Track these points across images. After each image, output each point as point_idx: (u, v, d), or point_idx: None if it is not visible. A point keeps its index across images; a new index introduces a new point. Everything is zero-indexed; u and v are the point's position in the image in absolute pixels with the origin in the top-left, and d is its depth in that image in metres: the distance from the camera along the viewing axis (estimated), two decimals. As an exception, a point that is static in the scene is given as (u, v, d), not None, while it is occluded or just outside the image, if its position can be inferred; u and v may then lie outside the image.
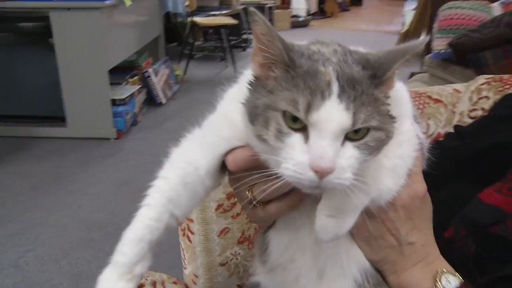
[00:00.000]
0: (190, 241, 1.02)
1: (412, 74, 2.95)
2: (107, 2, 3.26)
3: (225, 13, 6.20)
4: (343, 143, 0.53)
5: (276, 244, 0.71)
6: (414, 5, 5.82)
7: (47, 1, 3.21)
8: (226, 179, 0.70)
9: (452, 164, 0.82)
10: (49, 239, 2.29)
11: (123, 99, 3.57)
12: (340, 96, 0.51)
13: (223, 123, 0.65)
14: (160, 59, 4.83)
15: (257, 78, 0.58)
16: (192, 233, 1.01)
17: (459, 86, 1.11)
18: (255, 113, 0.56)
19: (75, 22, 3.23)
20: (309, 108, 0.51)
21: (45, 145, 3.38)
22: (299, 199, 0.62)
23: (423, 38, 0.57)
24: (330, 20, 9.67)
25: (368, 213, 0.62)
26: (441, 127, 1.08)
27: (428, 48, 4.69)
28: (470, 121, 1.02)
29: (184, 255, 1.03)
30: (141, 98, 4.12)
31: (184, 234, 1.02)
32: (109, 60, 3.47)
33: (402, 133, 0.61)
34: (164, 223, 0.67)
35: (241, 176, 0.63)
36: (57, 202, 2.66)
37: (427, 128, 1.07)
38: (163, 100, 4.38)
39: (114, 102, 3.52)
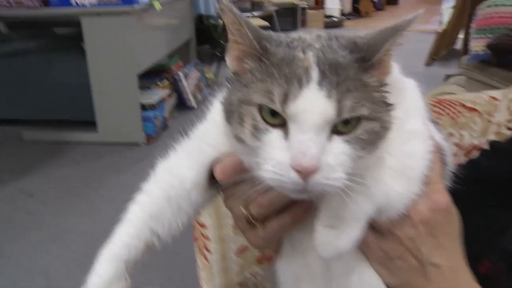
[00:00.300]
0: (206, 260, 0.97)
1: (448, 77, 2.83)
2: (137, 7, 3.27)
3: (257, 15, 6.17)
4: (330, 138, 0.47)
5: (285, 275, 0.64)
6: (452, 3, 5.63)
7: (79, 7, 3.25)
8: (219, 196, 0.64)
9: (485, 187, 0.73)
10: (77, 246, 2.31)
11: (153, 104, 3.58)
12: (320, 82, 0.45)
13: (211, 129, 0.59)
14: (191, 62, 4.83)
15: (234, 73, 0.52)
16: (209, 251, 0.97)
17: (496, 93, 1.02)
18: (230, 111, 0.50)
19: (105, 27, 3.26)
20: (285, 99, 0.45)
21: (77, 150, 3.43)
22: (302, 212, 0.55)
23: (417, 12, 0.50)
24: (365, 20, 9.48)
25: (379, 228, 0.54)
26: (476, 138, 0.99)
27: (465, 48, 4.52)
28: (508, 133, 0.95)
29: (201, 274, 0.99)
30: (171, 102, 4.12)
31: (200, 253, 0.98)
32: (138, 64, 3.48)
33: (410, 130, 0.54)
34: (144, 241, 0.60)
35: (233, 189, 0.57)
36: (87, 208, 2.68)
37: (461, 139, 0.99)
38: (194, 104, 4.37)
39: (143, 107, 3.53)
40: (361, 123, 0.47)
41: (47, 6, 3.28)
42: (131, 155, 3.33)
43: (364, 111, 0.47)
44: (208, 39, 6.35)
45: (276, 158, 0.46)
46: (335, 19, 8.80)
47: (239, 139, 0.50)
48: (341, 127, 0.47)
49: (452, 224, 0.58)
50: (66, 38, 3.94)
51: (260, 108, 0.48)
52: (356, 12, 9.77)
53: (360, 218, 0.52)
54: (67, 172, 3.08)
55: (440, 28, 5.81)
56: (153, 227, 0.61)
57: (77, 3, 3.23)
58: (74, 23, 3.35)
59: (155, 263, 2.09)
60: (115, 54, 3.32)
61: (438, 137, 0.60)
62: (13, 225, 2.49)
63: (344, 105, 0.46)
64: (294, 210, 0.55)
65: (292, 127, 0.46)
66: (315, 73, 0.46)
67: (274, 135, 0.47)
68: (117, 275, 0.60)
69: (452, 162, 0.62)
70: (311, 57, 0.47)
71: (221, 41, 5.95)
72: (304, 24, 7.97)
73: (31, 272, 2.14)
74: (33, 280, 2.10)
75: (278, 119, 0.47)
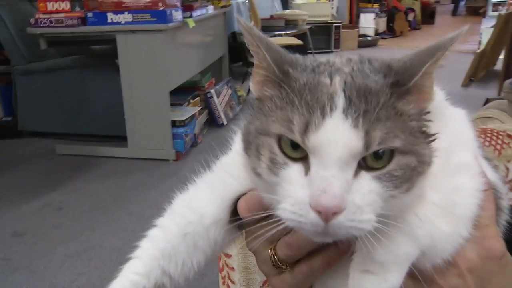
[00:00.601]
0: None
1: (487, 101, 2.70)
2: (171, 25, 3.30)
3: (291, 33, 6.17)
4: (357, 174, 0.41)
5: None
6: (492, 22, 5.47)
7: (115, 25, 3.30)
8: (241, 238, 0.58)
9: None
10: (102, 262, 2.29)
11: (183, 121, 3.58)
12: (346, 110, 0.40)
13: (236, 161, 0.53)
14: (223, 79, 4.85)
15: (258, 99, 0.47)
16: (233, 282, 0.91)
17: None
18: (248, 141, 0.45)
19: (139, 44, 3.30)
20: (306, 129, 0.40)
21: (107, 164, 3.46)
22: (336, 254, 0.48)
23: (461, 29, 0.44)
24: (399, 39, 9.35)
25: (419, 276, 0.47)
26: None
27: (507, 70, 4.35)
28: None
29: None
30: (202, 119, 4.12)
31: (224, 283, 0.93)
32: (170, 81, 3.50)
33: (457, 163, 0.47)
34: (154, 281, 0.55)
35: (258, 228, 0.50)
36: (113, 224, 2.67)
37: (507, 172, 0.90)
38: (225, 121, 4.36)
39: (174, 123, 3.54)
40: (394, 158, 0.42)
41: (85, 25, 3.36)
42: (160, 172, 3.33)
43: (397, 143, 0.41)
44: (241, 56, 6.38)
45: (295, 196, 0.41)
46: (369, 38, 8.73)
47: (257, 173, 0.45)
48: (371, 162, 0.42)
49: (507, 276, 0.50)
50: (101, 55, 4.03)
51: (280, 140, 0.43)
52: (390, 31, 9.66)
53: (402, 262, 0.45)
54: (96, 187, 3.10)
55: (478, 48, 5.64)
56: (165, 266, 0.56)
57: (112, 21, 3.28)
58: (109, 41, 3.42)
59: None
60: (147, 71, 3.35)
61: (493, 176, 0.53)
62: (40, 238, 2.51)
63: (373, 136, 0.40)
64: (327, 253, 0.49)
65: (313, 161, 0.41)
66: (340, 100, 0.41)
67: (293, 170, 0.42)
68: None
69: (507, 208, 0.54)
70: (337, 82, 0.42)
71: (253, 61, 5.95)
72: (338, 42, 7.92)
73: (56, 287, 2.13)
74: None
75: (299, 152, 0.42)
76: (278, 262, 0.52)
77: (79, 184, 3.16)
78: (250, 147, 0.45)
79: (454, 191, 0.47)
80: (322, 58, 0.49)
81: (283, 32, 6.17)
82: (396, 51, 7.82)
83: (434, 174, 0.45)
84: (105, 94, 3.74)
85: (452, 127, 0.50)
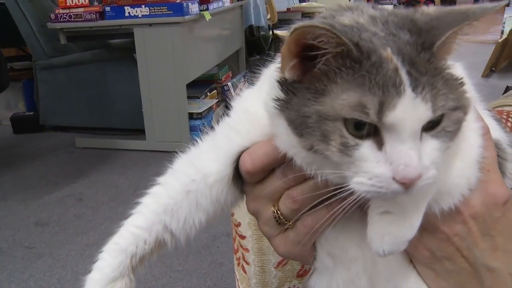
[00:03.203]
0: (245, 272, 0.93)
1: (508, 88, 2.64)
2: (187, 17, 3.32)
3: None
4: (422, 135, 0.43)
5: None
6: (515, 11, 5.35)
7: (132, 18, 3.34)
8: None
9: None
10: (121, 251, 2.32)
11: (200, 113, 3.60)
12: (412, 85, 0.41)
13: (241, 118, 0.53)
14: (240, 72, 4.86)
15: (298, 82, 0.45)
16: (247, 263, 0.92)
17: None
18: (304, 124, 0.44)
19: (156, 37, 3.33)
20: (381, 109, 0.40)
21: (126, 157, 3.50)
22: (340, 203, 0.47)
23: (496, 4, 0.44)
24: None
25: (424, 224, 0.47)
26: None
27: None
28: None
29: (238, 286, 0.95)
30: (219, 111, 4.14)
31: (239, 264, 0.94)
32: (188, 74, 3.52)
33: None
34: (155, 236, 0.55)
35: (261, 186, 0.51)
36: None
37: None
38: (241, 114, 4.35)
39: (191, 116, 3.56)
40: (445, 115, 0.43)
41: (103, 19, 3.40)
42: (177, 164, 3.35)
43: (451, 104, 0.43)
44: (258, 50, 6.38)
45: (374, 172, 0.42)
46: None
47: (317, 152, 0.44)
48: (427, 123, 0.43)
49: (511, 222, 0.50)
50: (119, 49, 4.07)
51: (346, 122, 0.43)
52: (409, 23, 9.51)
53: (420, 202, 0.46)
54: (115, 179, 3.14)
55: (500, 38, 5.52)
56: (167, 221, 0.55)
57: (130, 14, 3.32)
58: (127, 35, 3.45)
59: (196, 270, 2.11)
60: (165, 64, 3.38)
61: (500, 135, 0.53)
62: (62, 227, 2.56)
63: (438, 105, 0.42)
64: (331, 203, 0.49)
65: (387, 136, 0.42)
66: (404, 75, 0.41)
67: (366, 149, 0.43)
68: (120, 271, 0.55)
69: None
70: (391, 54, 0.42)
71: (271, 52, 5.96)
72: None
73: (77, 274, 2.18)
74: (78, 281, 2.13)
75: (365, 130, 0.43)
76: (281, 218, 0.52)
77: (99, 176, 3.21)
78: (310, 131, 0.44)
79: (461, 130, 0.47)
80: (343, 18, 0.46)
81: (300, 25, 6.12)
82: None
83: None
84: (124, 87, 3.78)
85: None
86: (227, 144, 0.54)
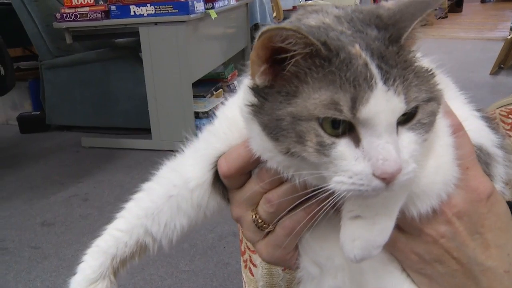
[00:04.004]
0: (252, 274, 0.92)
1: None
2: (193, 16, 3.30)
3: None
4: (398, 129, 0.43)
5: None
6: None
7: (138, 17, 3.32)
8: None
9: None
10: (127, 251, 2.31)
11: (206, 112, 3.59)
12: (383, 79, 0.40)
13: (221, 124, 0.54)
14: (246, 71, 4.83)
15: (269, 87, 0.45)
16: (255, 265, 0.91)
17: None
18: (278, 127, 0.43)
19: (162, 36, 3.32)
20: (354, 104, 0.40)
21: (132, 156, 3.50)
22: (318, 205, 0.47)
23: None
24: (424, 28, 9.13)
25: (407, 227, 0.47)
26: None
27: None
28: None
29: (245, 288, 0.93)
30: (225, 110, 4.12)
31: (246, 266, 0.93)
32: (193, 73, 3.51)
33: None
34: (135, 239, 0.56)
35: (240, 192, 0.52)
36: (138, 214, 2.69)
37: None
38: (247, 113, 4.33)
39: (197, 115, 3.55)
40: (420, 107, 0.43)
41: (109, 18, 3.40)
42: (183, 163, 3.34)
43: (424, 95, 0.43)
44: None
45: (353, 170, 0.42)
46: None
47: (294, 155, 0.44)
48: (402, 116, 0.43)
49: (501, 216, 0.48)
50: (125, 48, 4.07)
51: (320, 121, 0.42)
52: (416, 20, 9.43)
53: (391, 206, 0.45)
54: (120, 179, 3.13)
55: (510, 34, 5.47)
56: (148, 225, 0.57)
57: (135, 13, 3.31)
58: (133, 34, 3.45)
59: (202, 271, 2.09)
60: (170, 63, 3.36)
61: (486, 137, 0.52)
62: (68, 227, 2.56)
63: (410, 96, 0.41)
64: (308, 205, 0.48)
65: (363, 132, 0.41)
66: (374, 70, 0.41)
67: (343, 147, 0.42)
68: (100, 273, 0.56)
69: (503, 156, 0.53)
70: (360, 50, 0.42)
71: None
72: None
73: (83, 276, 2.17)
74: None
75: (341, 128, 0.42)
76: (260, 222, 0.52)
77: (104, 175, 3.20)
78: (285, 133, 0.43)
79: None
80: (310, 19, 0.46)
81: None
82: (422, 41, 7.60)
83: None
84: (129, 87, 3.78)
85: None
86: (206, 149, 0.55)
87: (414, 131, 0.43)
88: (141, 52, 3.42)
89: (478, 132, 0.52)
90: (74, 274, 0.58)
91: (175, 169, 0.58)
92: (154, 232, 0.57)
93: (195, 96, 3.56)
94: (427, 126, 0.44)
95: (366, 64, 0.41)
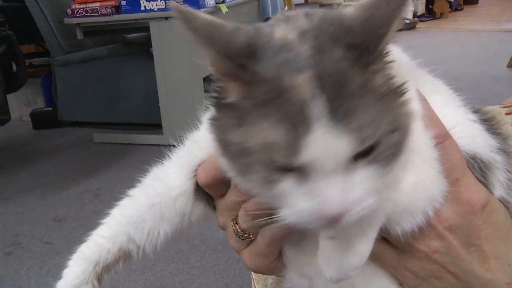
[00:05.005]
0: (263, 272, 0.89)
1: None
2: (203, 10, 3.27)
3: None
4: (351, 166, 0.39)
5: None
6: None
7: (148, 12, 3.31)
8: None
9: None
10: (139, 247, 2.31)
11: (218, 107, 3.57)
12: (330, 116, 0.35)
13: (204, 131, 0.52)
14: (257, 66, 4.81)
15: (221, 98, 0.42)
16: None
17: None
18: (227, 150, 0.40)
19: (172, 31, 3.29)
20: (293, 149, 0.36)
21: (143, 152, 3.49)
22: None
23: None
24: (439, 21, 9.01)
25: (397, 244, 0.45)
26: None
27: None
28: None
29: (254, 286, 0.91)
30: (236, 105, 4.10)
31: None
32: (204, 68, 3.46)
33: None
34: (118, 246, 0.56)
35: (222, 200, 0.51)
36: (150, 209, 2.69)
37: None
38: (259, 108, 4.31)
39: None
40: (382, 140, 0.38)
41: (119, 13, 3.39)
42: (195, 158, 3.33)
43: (382, 130, 0.37)
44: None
45: (296, 205, 0.39)
46: (407, 21, 8.43)
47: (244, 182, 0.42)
48: (360, 151, 0.38)
49: (498, 226, 0.46)
50: (135, 44, 4.07)
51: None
52: (430, 13, 9.32)
53: (366, 228, 0.42)
54: (132, 174, 3.05)
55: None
56: (131, 233, 0.57)
57: (146, 8, 3.30)
58: (143, 29, 3.44)
59: (213, 267, 2.08)
60: (181, 58, 3.34)
61: (475, 133, 0.48)
62: (80, 223, 2.56)
63: (363, 133, 0.36)
64: None
65: (308, 171, 0.38)
66: (320, 104, 0.36)
67: (287, 184, 0.39)
68: (83, 279, 0.56)
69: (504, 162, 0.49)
70: (308, 80, 0.36)
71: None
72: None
73: (95, 271, 2.17)
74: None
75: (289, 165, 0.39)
76: (239, 231, 0.51)
77: (116, 171, 3.21)
78: (233, 159, 0.41)
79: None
80: (276, 32, 0.41)
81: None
82: (436, 34, 7.54)
83: None
84: (140, 82, 3.78)
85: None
86: (188, 157, 0.55)
87: (374, 165, 0.39)
88: (151, 47, 3.41)
89: (472, 138, 0.48)
90: (60, 278, 0.59)
91: (159, 177, 0.57)
92: (137, 239, 0.57)
93: (206, 91, 3.54)
94: (390, 158, 0.40)
95: (309, 100, 0.36)
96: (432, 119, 0.45)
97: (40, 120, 4.19)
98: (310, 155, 0.37)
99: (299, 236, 0.47)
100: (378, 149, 0.38)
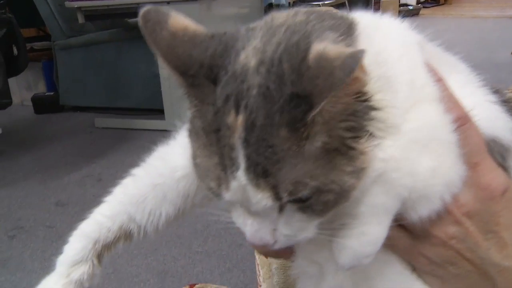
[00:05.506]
0: (266, 256, 0.89)
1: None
2: (206, -5, 3.25)
3: (328, 3, 5.99)
4: (282, 208, 0.39)
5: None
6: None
7: (150, -4, 3.28)
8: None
9: None
10: (141, 231, 2.33)
11: (220, 93, 3.56)
12: (248, 167, 0.36)
13: None
14: (259, 52, 4.77)
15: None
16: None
17: None
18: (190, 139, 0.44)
19: (174, 16, 3.26)
20: (219, 186, 0.38)
21: (145, 137, 3.48)
22: None
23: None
24: (443, 7, 8.92)
25: (412, 229, 0.44)
26: None
27: None
28: None
29: (259, 271, 0.91)
30: (238, 91, 4.09)
31: (259, 249, 0.91)
32: (207, 53, 3.47)
33: (422, 97, 0.42)
34: (118, 225, 0.55)
35: None
36: (152, 194, 2.70)
37: None
38: (261, 94, 4.29)
39: (210, 95, 3.51)
40: (312, 196, 0.38)
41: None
42: (196, 144, 3.33)
43: (307, 191, 0.37)
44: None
45: (237, 220, 0.43)
46: (410, 7, 8.37)
47: None
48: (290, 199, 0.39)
49: None
50: (137, 28, 3.99)
51: None
52: (434, -1, 9.23)
53: (380, 214, 0.41)
54: (133, 159, 3.07)
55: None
56: (132, 212, 0.56)
57: (147, -8, 3.26)
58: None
59: (215, 252, 2.09)
60: (183, 42, 3.31)
61: (494, 116, 0.46)
62: (82, 207, 2.53)
63: (281, 192, 0.37)
64: None
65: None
66: (241, 154, 0.36)
67: (228, 202, 0.42)
68: (82, 256, 0.56)
69: None
70: (239, 124, 0.36)
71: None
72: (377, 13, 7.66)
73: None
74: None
75: None
76: None
77: (118, 156, 3.21)
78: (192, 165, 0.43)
79: (425, 127, 0.42)
80: (247, 47, 0.40)
81: (321, 3, 6.00)
82: (440, 21, 7.47)
83: (402, 108, 0.41)
84: (142, 67, 3.75)
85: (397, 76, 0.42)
86: None
87: (304, 213, 0.39)
88: (154, 32, 3.37)
89: (491, 120, 0.47)
90: (61, 253, 0.59)
91: (163, 157, 0.57)
92: (138, 219, 0.56)
93: (208, 77, 3.52)
94: (320, 212, 0.39)
95: (238, 146, 0.37)
96: (451, 101, 0.44)
97: (42, 105, 4.17)
98: (232, 197, 0.39)
99: None
100: (310, 201, 0.38)
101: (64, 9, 3.58)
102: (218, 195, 0.41)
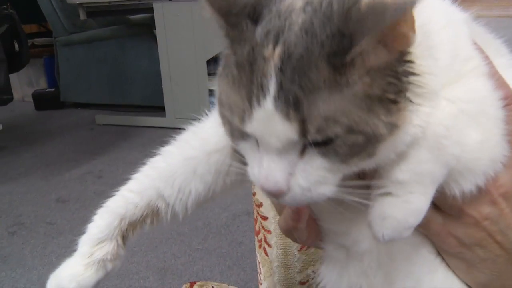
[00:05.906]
0: (267, 254, 0.90)
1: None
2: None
3: None
4: (303, 151, 0.38)
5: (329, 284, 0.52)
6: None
7: (152, -7, 3.28)
8: None
9: None
10: (141, 229, 2.33)
11: (221, 90, 3.56)
12: (277, 97, 0.34)
13: None
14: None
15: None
16: (269, 245, 0.89)
17: None
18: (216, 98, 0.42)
19: (176, 13, 3.27)
20: (243, 116, 0.36)
21: (146, 134, 3.49)
22: None
23: None
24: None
25: (447, 207, 0.42)
26: None
27: None
28: None
29: (260, 269, 0.92)
30: (239, 89, 4.09)
31: (260, 246, 0.91)
32: (208, 50, 3.45)
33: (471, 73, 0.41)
34: (146, 201, 0.53)
35: None
36: (152, 192, 2.71)
37: None
38: (262, 91, 4.30)
39: (211, 93, 3.51)
40: (338, 136, 0.36)
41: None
42: (197, 141, 3.34)
43: (337, 129, 0.35)
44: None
45: (252, 168, 0.40)
46: (413, 6, 8.37)
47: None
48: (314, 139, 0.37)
49: None
50: (139, 25, 4.03)
51: None
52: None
53: (426, 182, 0.40)
54: (134, 156, 3.12)
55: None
56: (161, 187, 0.53)
57: (149, -11, 3.26)
58: (147, 10, 3.40)
59: (215, 250, 2.09)
60: (185, 40, 3.32)
61: None
62: (82, 204, 2.57)
63: (309, 127, 0.35)
64: None
65: (259, 141, 0.38)
66: (272, 83, 0.35)
67: (247, 145, 0.40)
68: (107, 233, 0.53)
69: None
70: (276, 55, 0.35)
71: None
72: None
73: (98, 252, 2.19)
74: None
75: None
76: None
77: (118, 153, 3.21)
78: (218, 106, 0.41)
79: (471, 101, 0.41)
80: None
81: None
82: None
83: (441, 76, 0.39)
84: (144, 64, 3.76)
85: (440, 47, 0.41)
86: None
87: (326, 157, 0.37)
88: (155, 29, 3.38)
89: None
90: (83, 233, 0.56)
91: (195, 131, 0.54)
92: (166, 195, 0.53)
93: (209, 74, 3.51)
94: (343, 157, 0.37)
95: (266, 74, 0.35)
96: (498, 80, 0.43)
97: (43, 101, 4.18)
98: (254, 129, 0.37)
99: (334, 205, 0.43)
100: (334, 143, 0.36)
101: (66, 5, 3.58)
102: (239, 131, 0.39)
